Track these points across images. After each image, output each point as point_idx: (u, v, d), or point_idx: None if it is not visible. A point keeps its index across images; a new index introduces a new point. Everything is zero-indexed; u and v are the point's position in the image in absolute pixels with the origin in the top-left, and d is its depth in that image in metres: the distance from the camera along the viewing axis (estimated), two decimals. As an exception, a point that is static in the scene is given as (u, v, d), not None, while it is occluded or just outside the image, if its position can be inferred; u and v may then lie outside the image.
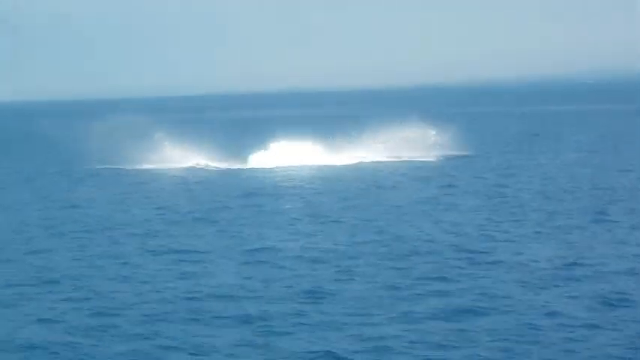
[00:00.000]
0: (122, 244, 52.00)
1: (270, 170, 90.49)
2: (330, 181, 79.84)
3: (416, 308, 35.96)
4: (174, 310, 36.58)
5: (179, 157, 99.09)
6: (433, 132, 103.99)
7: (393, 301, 37.13)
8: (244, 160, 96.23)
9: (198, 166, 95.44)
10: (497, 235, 51.42)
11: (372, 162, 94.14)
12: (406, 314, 35.23)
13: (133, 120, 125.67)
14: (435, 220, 56.89)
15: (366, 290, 39.13)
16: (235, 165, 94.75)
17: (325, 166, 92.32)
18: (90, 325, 34.87)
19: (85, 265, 46.37)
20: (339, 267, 43.86)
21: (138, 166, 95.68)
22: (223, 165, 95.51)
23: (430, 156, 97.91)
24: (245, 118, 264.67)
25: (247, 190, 75.83)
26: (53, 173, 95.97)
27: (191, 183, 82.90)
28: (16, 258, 48.91)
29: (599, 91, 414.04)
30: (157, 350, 31.90)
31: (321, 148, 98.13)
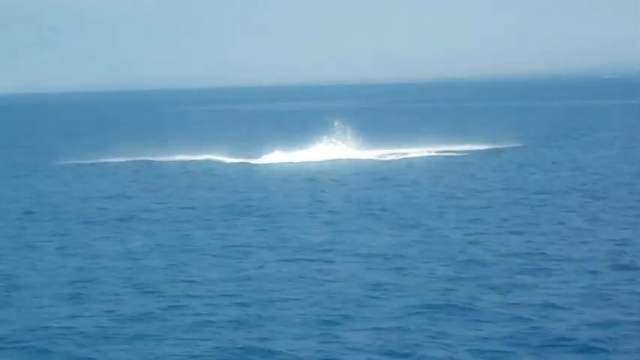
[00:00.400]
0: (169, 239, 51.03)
1: (304, 164, 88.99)
2: (375, 176, 78.17)
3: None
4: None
5: (196, 150, 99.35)
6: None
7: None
8: (284, 154, 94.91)
9: (213, 159, 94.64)
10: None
11: (415, 157, 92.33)
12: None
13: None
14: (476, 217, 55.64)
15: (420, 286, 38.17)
16: (273, 159, 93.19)
17: (365, 160, 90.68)
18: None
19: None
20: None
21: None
22: (238, 159, 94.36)
23: (473, 150, 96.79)
24: (268, 111, 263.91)
25: (293, 183, 74.72)
26: (84, 164, 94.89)
27: (227, 176, 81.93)
28: (50, 251, 47.91)
29: (622, 86, 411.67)
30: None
31: (362, 142, 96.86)
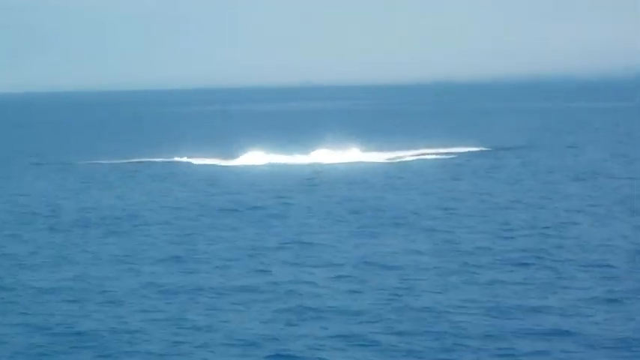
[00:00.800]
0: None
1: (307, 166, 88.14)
2: (381, 179, 77.27)
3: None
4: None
5: (189, 151, 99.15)
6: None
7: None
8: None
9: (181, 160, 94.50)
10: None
11: (413, 159, 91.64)
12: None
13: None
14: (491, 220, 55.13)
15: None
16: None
17: (365, 162, 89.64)
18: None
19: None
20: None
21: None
22: (228, 161, 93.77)
23: (470, 151, 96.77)
24: (268, 112, 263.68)
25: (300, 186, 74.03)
26: (75, 165, 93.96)
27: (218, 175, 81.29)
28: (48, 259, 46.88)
29: (603, 89, 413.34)
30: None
31: (360, 145, 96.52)
